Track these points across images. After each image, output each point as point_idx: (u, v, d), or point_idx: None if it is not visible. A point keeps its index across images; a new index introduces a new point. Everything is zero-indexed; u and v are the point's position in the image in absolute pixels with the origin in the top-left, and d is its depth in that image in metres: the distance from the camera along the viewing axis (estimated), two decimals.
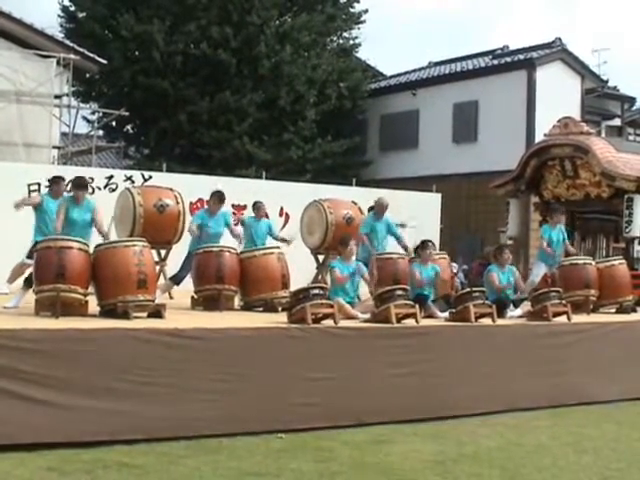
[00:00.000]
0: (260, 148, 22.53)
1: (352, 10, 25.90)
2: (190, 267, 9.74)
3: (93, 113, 23.36)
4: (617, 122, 25.75)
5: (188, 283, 9.92)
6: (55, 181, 10.13)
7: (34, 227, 9.76)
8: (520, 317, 9.92)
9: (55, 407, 6.42)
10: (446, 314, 9.34)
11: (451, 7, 60.28)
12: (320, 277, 12.35)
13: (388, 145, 25.55)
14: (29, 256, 9.26)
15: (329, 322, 8.00)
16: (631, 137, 25.71)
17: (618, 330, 10.21)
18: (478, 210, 22.26)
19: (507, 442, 7.47)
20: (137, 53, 22.94)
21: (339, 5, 25.46)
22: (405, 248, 11.01)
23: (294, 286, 9.06)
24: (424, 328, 8.58)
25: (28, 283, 8.57)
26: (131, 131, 25.26)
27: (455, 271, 15.23)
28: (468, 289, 9.91)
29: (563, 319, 9.79)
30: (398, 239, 11.19)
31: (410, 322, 8.60)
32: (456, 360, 8.58)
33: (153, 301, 8.03)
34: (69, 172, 12.53)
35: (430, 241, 10.15)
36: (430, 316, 9.31)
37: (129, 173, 14.80)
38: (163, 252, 11.22)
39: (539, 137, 18.52)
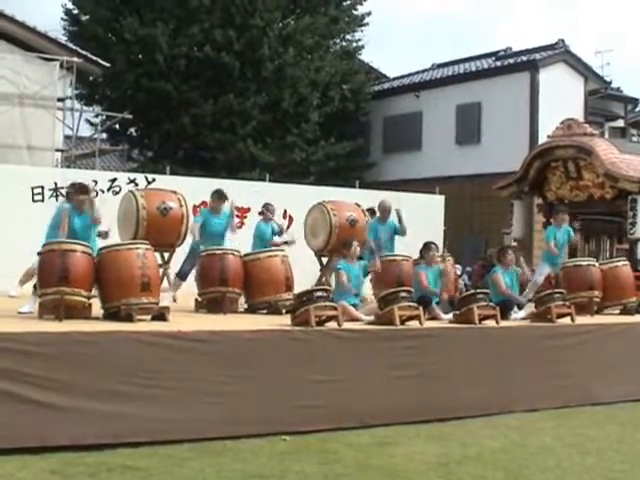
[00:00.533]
0: (264, 150, 22.54)
1: (355, 12, 25.95)
2: (193, 261, 9.72)
3: (96, 116, 23.29)
4: (620, 123, 25.74)
5: (192, 286, 9.92)
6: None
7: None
8: (524, 319, 9.92)
9: (58, 410, 6.43)
10: (450, 316, 9.35)
11: (454, 9, 60.43)
12: (324, 279, 12.32)
13: (391, 147, 25.57)
14: None
15: (333, 324, 8.01)
16: (634, 138, 25.66)
17: (622, 331, 10.21)
18: (482, 212, 22.25)
19: (511, 443, 7.47)
20: (140, 56, 22.96)
21: (342, 7, 25.52)
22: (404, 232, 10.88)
23: (298, 288, 9.05)
24: (428, 330, 8.59)
25: None
26: (135, 134, 25.27)
27: (459, 273, 15.22)
28: (472, 291, 9.91)
29: (567, 320, 9.78)
30: (402, 233, 11.07)
31: (414, 324, 8.60)
32: (460, 362, 8.57)
33: (157, 304, 8.02)
34: (72, 175, 12.53)
35: (433, 243, 10.16)
36: (434, 318, 9.33)
37: (132, 176, 14.76)
38: (166, 255, 11.20)
39: (542, 138, 18.51)
